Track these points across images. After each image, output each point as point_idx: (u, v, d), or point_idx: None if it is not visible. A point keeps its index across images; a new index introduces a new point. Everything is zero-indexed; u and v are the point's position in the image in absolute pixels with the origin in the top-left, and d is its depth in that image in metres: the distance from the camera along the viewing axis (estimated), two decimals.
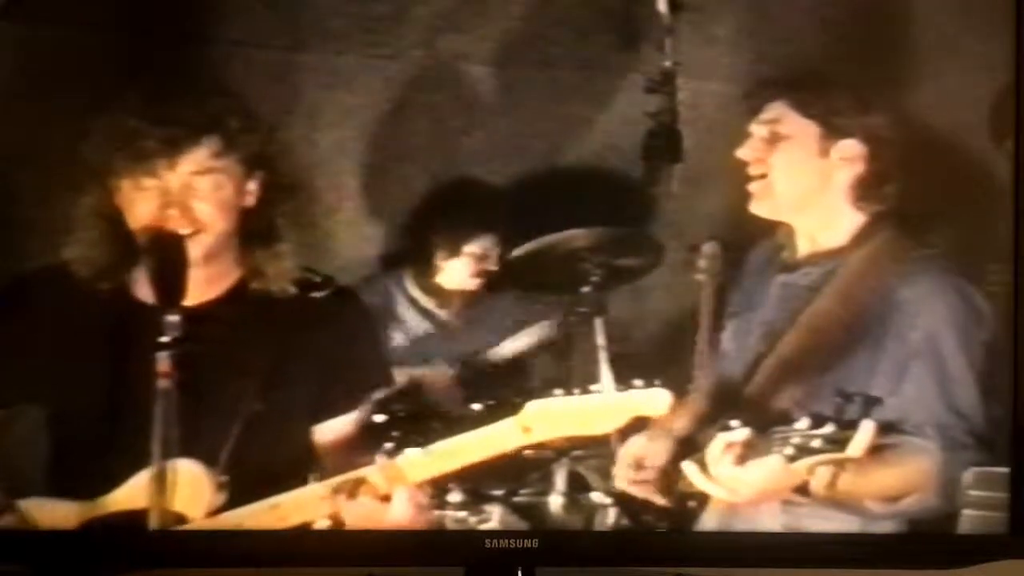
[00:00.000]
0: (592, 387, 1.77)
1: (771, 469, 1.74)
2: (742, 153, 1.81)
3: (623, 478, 1.83)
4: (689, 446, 1.82)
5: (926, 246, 1.80)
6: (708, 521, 1.81)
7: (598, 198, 1.84)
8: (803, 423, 1.72)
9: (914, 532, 1.78)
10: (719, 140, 1.83)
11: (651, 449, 1.83)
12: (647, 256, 1.85)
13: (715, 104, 1.83)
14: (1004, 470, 1.77)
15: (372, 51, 1.84)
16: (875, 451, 1.72)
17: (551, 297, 1.88)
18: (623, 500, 1.84)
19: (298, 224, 1.81)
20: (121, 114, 1.76)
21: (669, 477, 1.82)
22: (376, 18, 1.83)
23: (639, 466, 1.83)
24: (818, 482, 1.73)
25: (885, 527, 1.78)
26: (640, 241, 1.86)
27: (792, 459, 1.72)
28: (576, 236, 1.83)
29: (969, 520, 1.77)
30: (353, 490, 1.76)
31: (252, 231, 1.80)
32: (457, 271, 1.87)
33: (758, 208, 1.82)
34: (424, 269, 1.87)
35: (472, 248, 1.86)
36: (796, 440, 1.72)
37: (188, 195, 1.76)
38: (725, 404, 1.82)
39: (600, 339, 1.84)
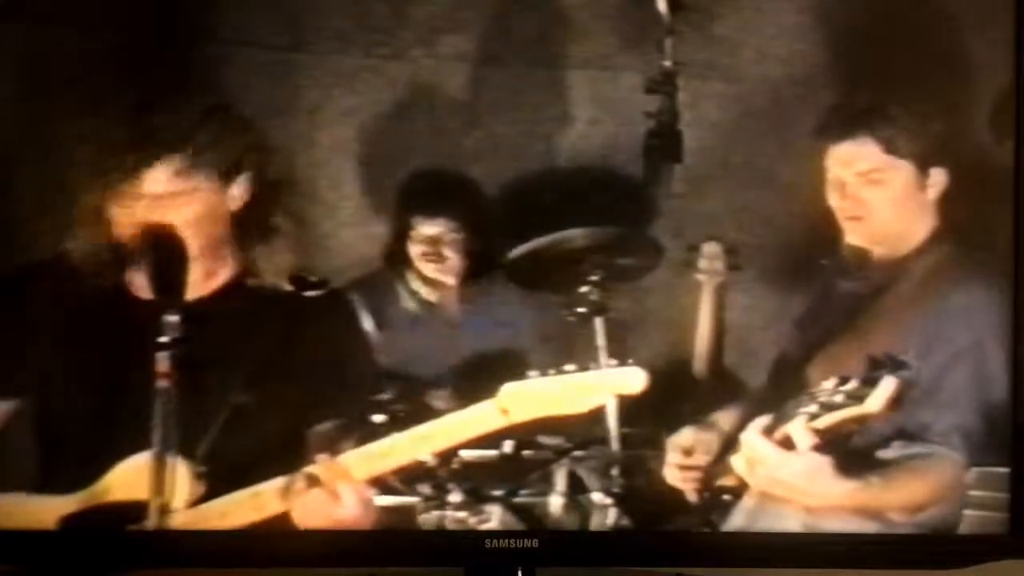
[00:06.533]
0: (567, 367, 1.78)
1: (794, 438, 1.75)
2: (833, 202, 1.81)
3: (671, 463, 1.83)
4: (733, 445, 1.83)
5: (983, 258, 1.80)
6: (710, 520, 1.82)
7: (598, 198, 1.84)
8: (829, 383, 1.74)
9: (914, 532, 1.78)
10: (719, 140, 1.83)
11: (700, 439, 1.83)
12: (647, 256, 1.85)
13: (715, 104, 1.83)
14: (1004, 470, 1.77)
15: (372, 51, 1.84)
16: (901, 462, 1.74)
17: (551, 296, 1.88)
18: (624, 500, 1.84)
19: (294, 219, 1.81)
20: (93, 141, 1.77)
21: (711, 473, 1.82)
22: (376, 18, 1.83)
23: (687, 452, 1.83)
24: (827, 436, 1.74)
25: (885, 527, 1.78)
26: (640, 241, 1.86)
27: (813, 417, 1.73)
28: (576, 236, 1.83)
29: (969, 520, 1.77)
30: (305, 487, 1.76)
31: (245, 230, 1.80)
32: (416, 255, 1.87)
33: (855, 239, 1.83)
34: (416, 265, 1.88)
35: (424, 230, 1.86)
36: (822, 399, 1.73)
37: (163, 212, 1.76)
38: (775, 404, 1.83)
39: (600, 339, 1.84)
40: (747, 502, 1.80)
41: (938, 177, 1.80)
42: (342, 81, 1.84)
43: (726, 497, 1.81)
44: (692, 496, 1.83)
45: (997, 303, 1.78)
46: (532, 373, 1.78)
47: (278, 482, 1.77)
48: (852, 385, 1.72)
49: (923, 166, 1.80)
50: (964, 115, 1.81)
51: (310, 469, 1.76)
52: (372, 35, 1.84)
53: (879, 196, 1.81)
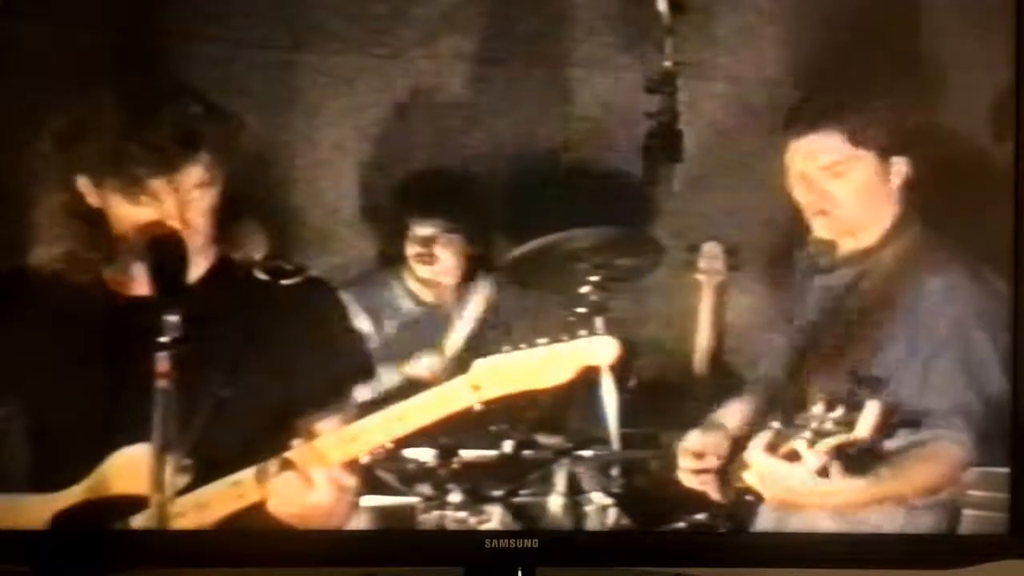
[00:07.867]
0: (539, 340, 1.76)
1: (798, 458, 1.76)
2: (800, 196, 1.82)
3: (683, 468, 1.83)
4: (741, 445, 1.83)
5: (950, 238, 1.80)
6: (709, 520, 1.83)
7: (598, 198, 1.84)
8: (818, 408, 1.74)
9: (914, 532, 1.78)
10: (719, 140, 1.83)
11: (708, 442, 1.83)
12: (647, 256, 1.86)
13: (715, 104, 1.84)
14: (1004, 470, 1.77)
15: (372, 51, 1.84)
16: (908, 450, 1.74)
17: (551, 296, 1.88)
18: (624, 500, 1.84)
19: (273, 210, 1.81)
20: (110, 137, 1.76)
21: (726, 474, 1.83)
22: (376, 18, 1.83)
23: (698, 456, 1.83)
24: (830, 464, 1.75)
25: (908, 515, 1.79)
26: (640, 241, 1.86)
27: (811, 443, 1.74)
28: (576, 236, 1.84)
29: (969, 520, 1.77)
30: (278, 471, 1.75)
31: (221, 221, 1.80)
32: (411, 255, 1.87)
33: (823, 232, 1.83)
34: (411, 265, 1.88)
35: (418, 231, 1.86)
36: (813, 425, 1.74)
37: (186, 207, 1.76)
38: (773, 401, 1.83)
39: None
40: (765, 508, 1.81)
41: (900, 166, 1.80)
42: (342, 81, 1.84)
43: (748, 497, 1.82)
44: (715, 496, 1.83)
45: (972, 283, 1.78)
46: (505, 348, 1.76)
47: (254, 469, 1.75)
48: (839, 412, 1.73)
49: (885, 155, 1.80)
50: (929, 104, 1.81)
51: (286, 454, 1.75)
52: (372, 35, 1.84)
53: (844, 188, 1.81)
